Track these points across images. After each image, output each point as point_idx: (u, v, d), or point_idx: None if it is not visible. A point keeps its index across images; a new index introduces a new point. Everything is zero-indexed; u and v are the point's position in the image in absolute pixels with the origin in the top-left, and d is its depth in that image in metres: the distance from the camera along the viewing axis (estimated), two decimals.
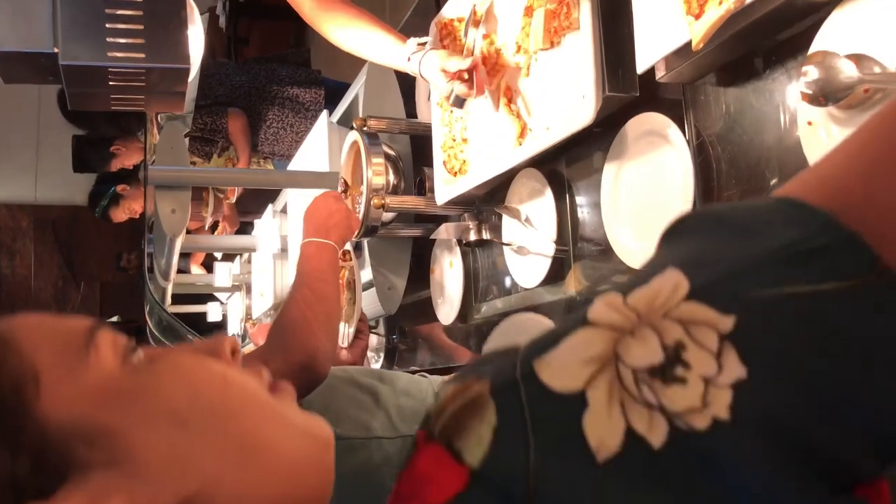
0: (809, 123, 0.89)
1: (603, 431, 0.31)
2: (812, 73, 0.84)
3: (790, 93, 0.96)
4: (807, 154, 0.91)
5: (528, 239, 1.49)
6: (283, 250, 2.96)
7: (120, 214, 3.62)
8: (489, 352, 0.38)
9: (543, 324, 1.44)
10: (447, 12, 1.63)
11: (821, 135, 0.88)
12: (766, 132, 0.99)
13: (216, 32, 6.57)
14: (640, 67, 1.05)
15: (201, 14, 1.50)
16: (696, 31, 0.91)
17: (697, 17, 0.92)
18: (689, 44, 0.97)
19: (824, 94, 0.83)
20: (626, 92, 1.17)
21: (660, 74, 1.04)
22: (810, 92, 0.84)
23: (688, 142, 1.10)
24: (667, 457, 0.30)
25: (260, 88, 3.08)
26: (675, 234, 0.37)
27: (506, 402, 0.33)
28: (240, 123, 3.06)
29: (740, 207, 0.36)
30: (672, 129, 1.11)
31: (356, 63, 2.47)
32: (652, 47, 1.03)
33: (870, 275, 0.31)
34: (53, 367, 0.43)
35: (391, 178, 1.82)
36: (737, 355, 0.30)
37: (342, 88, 2.55)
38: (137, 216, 3.53)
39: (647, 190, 1.19)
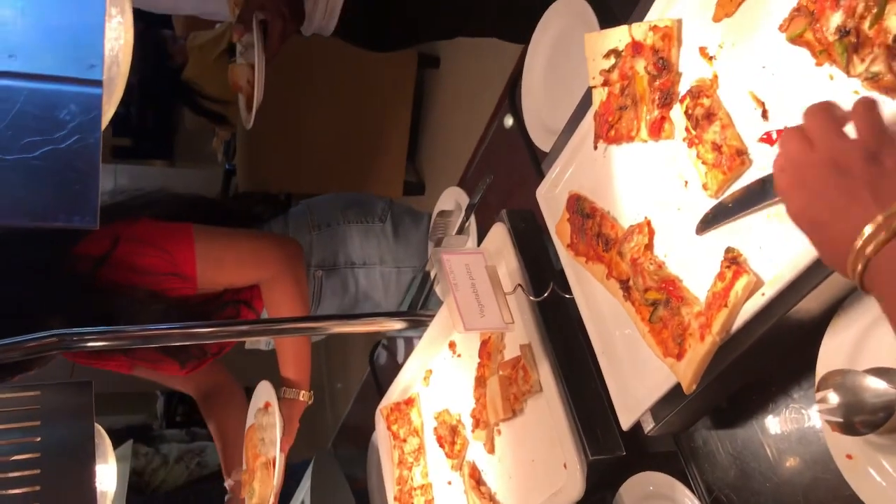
0: (849, 457, 0.74)
1: None
2: (832, 398, 0.71)
3: (808, 423, 0.82)
4: (857, 492, 0.74)
5: None
6: None
7: None
8: None
9: None
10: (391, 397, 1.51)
11: (867, 470, 0.73)
12: (795, 473, 0.83)
13: None
14: (625, 424, 0.91)
15: None
16: (683, 373, 0.79)
17: (678, 356, 0.80)
18: (674, 390, 0.85)
19: (860, 422, 0.69)
20: (612, 452, 1.02)
21: (648, 427, 0.90)
22: (839, 420, 0.71)
23: (700, 500, 0.92)
24: None
25: None
26: None
27: None
28: None
29: None
30: (678, 488, 0.94)
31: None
32: (632, 401, 0.90)
33: None
34: None
35: None
36: None
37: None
38: None
39: None
